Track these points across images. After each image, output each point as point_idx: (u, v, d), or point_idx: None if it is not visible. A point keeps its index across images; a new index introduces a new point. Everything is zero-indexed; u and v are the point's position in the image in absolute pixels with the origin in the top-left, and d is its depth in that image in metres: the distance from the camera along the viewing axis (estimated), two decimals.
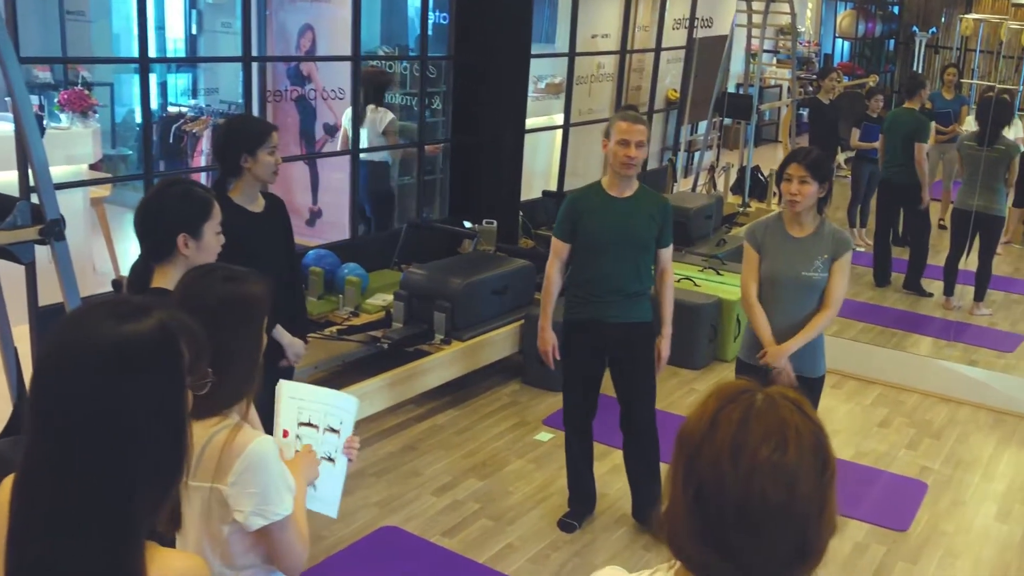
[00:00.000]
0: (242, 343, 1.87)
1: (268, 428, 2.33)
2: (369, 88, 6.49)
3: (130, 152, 8.27)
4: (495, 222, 6.63)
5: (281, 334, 3.44)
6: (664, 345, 3.88)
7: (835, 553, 3.93)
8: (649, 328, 3.88)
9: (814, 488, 1.16)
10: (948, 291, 7.04)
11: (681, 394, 5.40)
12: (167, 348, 1.25)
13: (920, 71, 13.47)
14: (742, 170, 9.12)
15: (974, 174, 6.72)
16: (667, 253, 3.85)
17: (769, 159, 10.13)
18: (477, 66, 6.51)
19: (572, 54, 7.67)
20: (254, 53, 6.20)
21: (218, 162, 3.44)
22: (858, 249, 8.45)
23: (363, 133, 6.45)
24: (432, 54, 6.76)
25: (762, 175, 9.17)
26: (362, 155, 6.52)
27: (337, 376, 5.07)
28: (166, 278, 2.39)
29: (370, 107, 6.49)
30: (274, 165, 3.38)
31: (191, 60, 8.06)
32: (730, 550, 1.16)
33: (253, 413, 2.50)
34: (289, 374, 3.68)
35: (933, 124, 8.84)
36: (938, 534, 4.12)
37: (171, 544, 1.96)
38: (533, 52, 7.04)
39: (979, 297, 6.93)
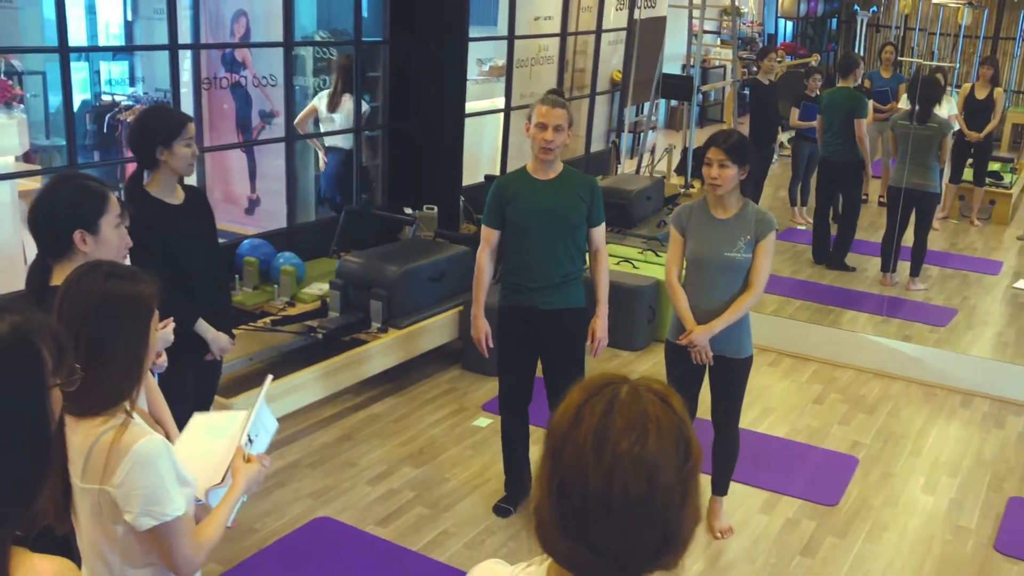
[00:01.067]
0: (122, 341, 1.85)
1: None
2: (346, 76, 6.46)
3: (64, 142, 8.10)
4: (435, 208, 6.62)
5: (205, 329, 3.40)
6: (600, 326, 3.87)
7: (767, 529, 4.00)
8: (582, 313, 3.88)
9: (676, 479, 1.17)
10: (885, 267, 7.15)
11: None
12: (21, 353, 1.22)
13: (862, 50, 13.64)
14: (685, 151, 9.17)
15: (906, 152, 6.82)
16: (599, 232, 3.85)
17: None
18: (413, 51, 6.46)
19: (511, 37, 7.65)
20: (189, 40, 6.10)
21: (134, 155, 3.37)
22: (799, 227, 8.60)
23: (338, 120, 6.45)
24: (369, 38, 6.69)
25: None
26: (328, 142, 6.53)
27: (273, 368, 5.02)
28: (65, 276, 2.35)
29: (346, 95, 6.47)
30: (191, 157, 3.33)
31: (112, 49, 7.88)
32: (594, 542, 1.16)
33: (162, 407, 2.47)
34: (216, 368, 3.65)
35: (871, 102, 8.98)
36: (867, 508, 4.20)
37: (65, 542, 1.93)
38: (473, 35, 7.00)
39: (915, 272, 7.04)
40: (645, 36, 8.79)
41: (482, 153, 8.35)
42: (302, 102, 6.74)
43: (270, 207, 7.02)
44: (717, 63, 12.76)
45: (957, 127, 8.31)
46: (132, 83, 8.45)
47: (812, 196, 8.64)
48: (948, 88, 8.75)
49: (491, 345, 3.91)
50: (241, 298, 5.32)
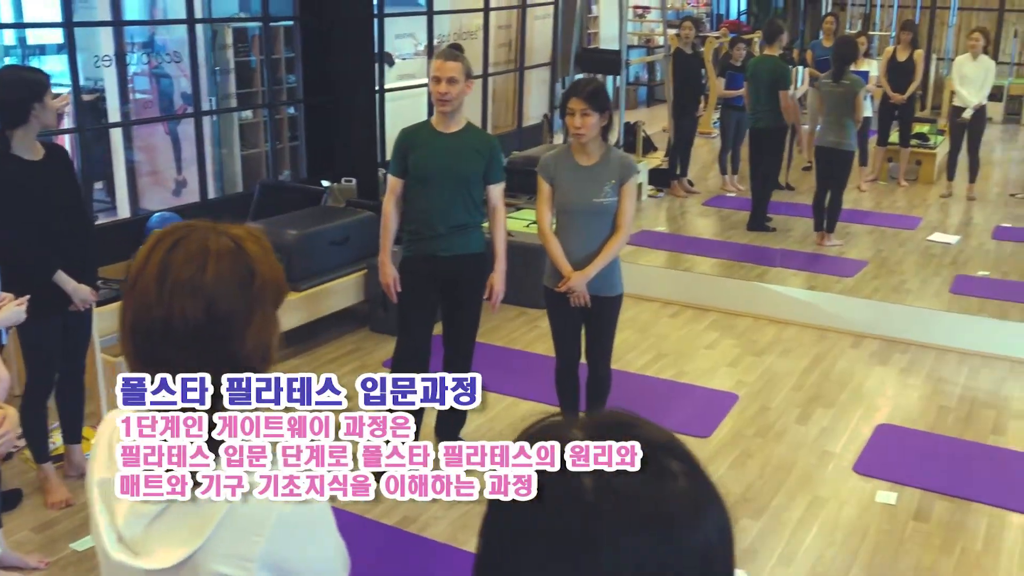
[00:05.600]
0: None
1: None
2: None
3: None
4: (354, 180, 6.76)
5: (65, 281, 3.52)
6: (497, 280, 3.99)
7: None
8: (482, 258, 4.00)
9: (237, 305, 1.28)
10: (818, 227, 7.20)
11: (524, 331, 5.58)
12: None
13: (806, 24, 13.75)
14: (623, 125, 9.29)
15: (830, 111, 6.97)
16: (497, 190, 3.96)
17: (658, 118, 10.41)
18: (322, 28, 6.60)
19: (430, 12, 7.79)
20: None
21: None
22: (729, 194, 8.74)
23: None
24: (278, 16, 6.82)
25: (644, 131, 9.38)
26: None
27: None
28: None
29: None
30: (58, 107, 3.49)
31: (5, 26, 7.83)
32: (162, 364, 1.25)
33: None
34: (84, 319, 3.77)
35: (807, 70, 9.16)
36: (737, 438, 4.35)
37: None
38: (392, 12, 7.13)
39: (829, 229, 7.16)
40: (568, 11, 8.94)
41: None
42: (223, 80, 6.88)
43: (195, 187, 7.16)
44: (661, 41, 12.89)
45: (871, 85, 8.48)
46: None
47: (742, 164, 8.81)
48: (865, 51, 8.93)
49: (399, 289, 3.98)
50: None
